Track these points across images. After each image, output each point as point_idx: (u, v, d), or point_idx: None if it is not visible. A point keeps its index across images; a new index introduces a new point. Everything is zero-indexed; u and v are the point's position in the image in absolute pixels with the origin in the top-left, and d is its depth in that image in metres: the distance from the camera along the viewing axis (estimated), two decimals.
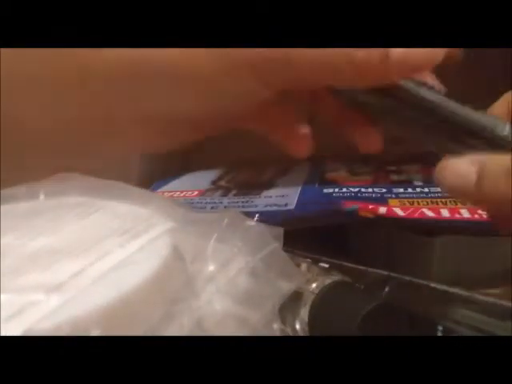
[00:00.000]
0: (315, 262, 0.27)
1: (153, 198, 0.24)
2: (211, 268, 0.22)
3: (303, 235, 0.27)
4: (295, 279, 0.22)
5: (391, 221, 0.33)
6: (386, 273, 0.27)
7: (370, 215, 0.33)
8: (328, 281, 0.25)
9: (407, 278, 0.26)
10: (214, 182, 0.44)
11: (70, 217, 0.23)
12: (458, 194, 0.25)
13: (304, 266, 0.27)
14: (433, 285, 0.26)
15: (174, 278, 0.20)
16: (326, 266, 0.27)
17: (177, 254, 0.21)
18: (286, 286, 0.22)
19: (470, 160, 0.23)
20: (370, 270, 0.28)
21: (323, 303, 0.24)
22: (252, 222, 0.25)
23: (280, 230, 0.24)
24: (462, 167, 0.23)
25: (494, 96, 0.27)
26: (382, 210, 0.33)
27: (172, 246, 0.21)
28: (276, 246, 0.24)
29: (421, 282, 0.26)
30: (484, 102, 0.27)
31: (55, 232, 0.22)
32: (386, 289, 0.25)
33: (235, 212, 0.25)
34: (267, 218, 0.29)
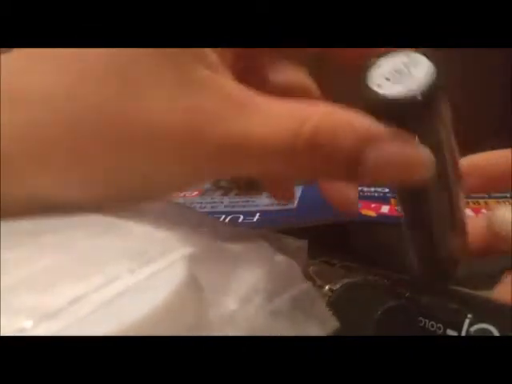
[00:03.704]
0: (329, 263, 0.26)
1: (173, 218, 0.22)
2: (231, 303, 0.19)
3: (304, 234, 0.26)
4: (327, 324, 0.19)
5: (393, 219, 0.32)
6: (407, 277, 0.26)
7: (371, 214, 0.33)
8: (342, 282, 0.24)
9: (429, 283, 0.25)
10: (214, 182, 0.44)
11: (80, 236, 0.21)
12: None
13: (312, 268, 0.25)
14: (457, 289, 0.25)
15: (187, 310, 0.18)
16: (341, 266, 0.26)
17: (192, 284, 0.19)
18: (315, 331, 0.19)
19: None
20: (391, 272, 0.27)
21: (338, 305, 0.23)
22: (281, 257, 0.22)
23: (304, 243, 0.23)
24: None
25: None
26: (385, 208, 0.33)
27: (188, 274, 0.19)
28: (307, 285, 0.22)
29: (441, 287, 0.25)
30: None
31: (62, 251, 0.20)
32: (407, 293, 0.24)
33: (264, 244, 0.23)
34: (268, 217, 0.28)
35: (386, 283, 0.25)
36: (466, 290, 0.25)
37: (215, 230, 0.23)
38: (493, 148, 0.26)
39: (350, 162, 0.21)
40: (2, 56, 0.22)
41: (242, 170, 0.22)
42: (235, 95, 0.21)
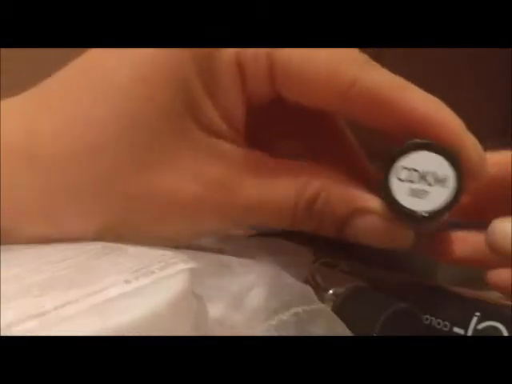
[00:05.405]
0: (331, 264, 0.26)
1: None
2: (231, 319, 0.18)
3: (304, 235, 0.25)
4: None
5: None
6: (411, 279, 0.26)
7: None
8: (346, 286, 0.24)
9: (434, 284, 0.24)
10: None
11: (82, 258, 0.21)
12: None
13: (314, 270, 0.25)
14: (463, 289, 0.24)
15: (181, 321, 0.17)
16: (346, 270, 0.25)
17: (190, 297, 0.18)
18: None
19: None
20: (393, 274, 0.27)
21: (342, 309, 0.22)
22: (291, 279, 0.21)
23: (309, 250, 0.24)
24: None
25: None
26: None
27: (186, 287, 0.18)
28: (322, 306, 0.21)
29: (447, 288, 0.24)
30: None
31: (63, 269, 0.20)
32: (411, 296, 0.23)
33: (276, 269, 0.22)
34: None
35: (390, 286, 0.24)
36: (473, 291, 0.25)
37: (224, 246, 0.22)
38: (494, 149, 0.24)
39: (340, 225, 0.23)
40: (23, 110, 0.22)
41: (253, 224, 0.24)
42: (242, 161, 0.23)
